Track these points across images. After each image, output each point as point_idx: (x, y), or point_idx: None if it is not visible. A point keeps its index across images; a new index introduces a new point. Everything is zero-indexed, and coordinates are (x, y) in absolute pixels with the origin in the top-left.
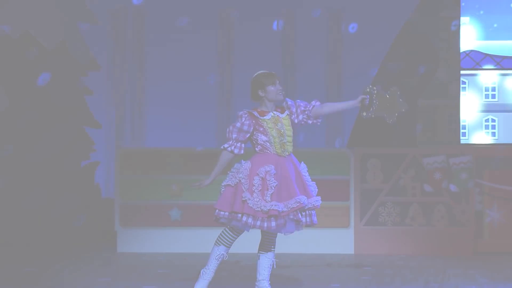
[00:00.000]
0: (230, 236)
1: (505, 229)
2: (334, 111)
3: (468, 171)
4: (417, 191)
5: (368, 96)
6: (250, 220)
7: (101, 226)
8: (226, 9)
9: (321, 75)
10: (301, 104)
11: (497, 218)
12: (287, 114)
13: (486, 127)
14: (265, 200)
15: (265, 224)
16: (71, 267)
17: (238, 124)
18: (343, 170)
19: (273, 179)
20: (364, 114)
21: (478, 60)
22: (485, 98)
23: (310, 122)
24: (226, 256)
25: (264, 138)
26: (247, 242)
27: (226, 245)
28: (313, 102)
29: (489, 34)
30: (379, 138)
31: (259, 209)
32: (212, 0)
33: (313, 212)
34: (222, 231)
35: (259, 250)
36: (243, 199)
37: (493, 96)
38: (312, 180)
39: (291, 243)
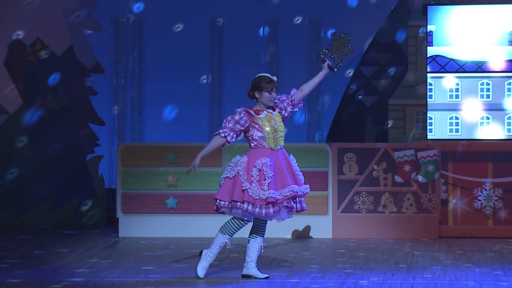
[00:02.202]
0: (234, 226)
1: (467, 215)
2: (312, 88)
3: (434, 163)
4: (388, 182)
5: (326, 59)
6: (250, 207)
7: (104, 213)
8: (216, 17)
9: (302, 77)
10: (284, 98)
11: (460, 205)
12: (278, 111)
13: (450, 124)
14: (262, 189)
15: (264, 211)
16: (78, 250)
17: (237, 117)
18: (322, 162)
19: (269, 170)
20: (336, 70)
21: (443, 64)
22: (449, 98)
23: (296, 109)
24: (228, 245)
25: (259, 134)
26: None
27: (230, 234)
28: (292, 92)
29: (453, 40)
30: (355, 134)
31: (257, 197)
32: (204, 8)
33: (302, 199)
34: (228, 221)
35: (250, 234)
36: (243, 188)
37: (457, 97)
38: None
39: (275, 228)
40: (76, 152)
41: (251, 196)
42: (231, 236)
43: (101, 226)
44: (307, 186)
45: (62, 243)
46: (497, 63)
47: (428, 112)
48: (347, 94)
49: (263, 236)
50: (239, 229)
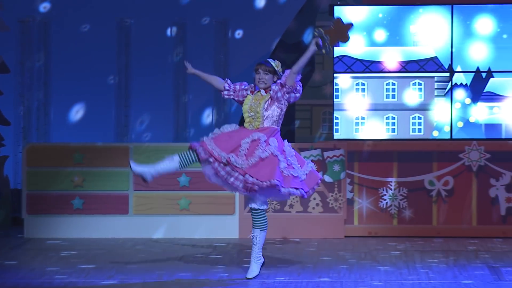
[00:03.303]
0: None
1: (372, 215)
2: (301, 66)
3: (340, 163)
4: None
5: (318, 37)
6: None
7: (9, 214)
8: (124, 17)
9: None
10: (282, 80)
11: (365, 205)
12: (269, 93)
13: (356, 124)
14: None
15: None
16: None
17: (242, 84)
18: None
19: (221, 131)
20: (324, 51)
21: (349, 64)
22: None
23: (294, 94)
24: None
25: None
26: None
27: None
28: (285, 73)
29: (360, 41)
30: None
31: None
32: (111, 9)
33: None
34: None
35: None
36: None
37: (363, 96)
38: (201, 173)
39: (182, 228)
40: None
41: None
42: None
43: (5, 227)
44: (258, 176)
45: None
46: (401, 64)
47: (334, 112)
48: None
49: (257, 228)
50: (189, 162)
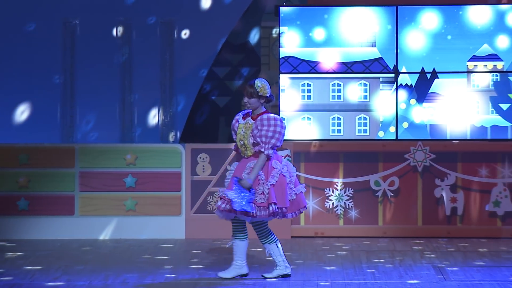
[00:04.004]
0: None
1: (319, 215)
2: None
3: None
4: None
5: None
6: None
7: None
8: (69, 17)
9: (156, 77)
10: (257, 134)
11: (312, 205)
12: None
13: (303, 124)
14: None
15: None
16: None
17: (237, 114)
18: (175, 163)
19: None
20: None
21: (295, 65)
22: (302, 99)
23: None
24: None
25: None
26: None
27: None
28: (259, 148)
29: (305, 42)
30: (209, 135)
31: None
32: (56, 8)
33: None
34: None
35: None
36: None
37: (309, 97)
38: (147, 173)
39: (129, 229)
40: None
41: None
42: (235, 237)
43: None
44: (233, 189)
45: None
46: (347, 65)
47: (280, 112)
48: (200, 95)
49: (264, 243)
50: (236, 229)
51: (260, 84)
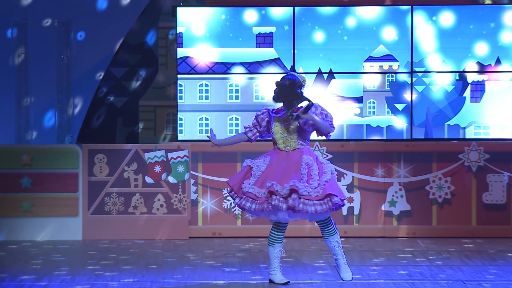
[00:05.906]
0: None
1: (216, 216)
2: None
3: (184, 164)
4: (139, 183)
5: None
6: (236, 199)
7: None
8: None
9: (52, 78)
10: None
11: (209, 206)
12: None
13: (200, 125)
14: (248, 183)
15: (242, 202)
16: None
17: (258, 113)
18: (72, 164)
19: (258, 169)
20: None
21: (193, 65)
22: (199, 99)
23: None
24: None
25: (272, 134)
26: None
27: (269, 243)
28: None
29: (203, 42)
30: (106, 136)
31: (246, 190)
32: None
33: (308, 201)
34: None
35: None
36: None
37: (206, 98)
38: (44, 174)
39: (25, 231)
40: None
41: (241, 189)
42: (272, 244)
43: None
44: (317, 188)
45: None
46: (244, 65)
47: (178, 113)
48: (97, 96)
49: (331, 235)
50: (273, 235)
51: (299, 77)
